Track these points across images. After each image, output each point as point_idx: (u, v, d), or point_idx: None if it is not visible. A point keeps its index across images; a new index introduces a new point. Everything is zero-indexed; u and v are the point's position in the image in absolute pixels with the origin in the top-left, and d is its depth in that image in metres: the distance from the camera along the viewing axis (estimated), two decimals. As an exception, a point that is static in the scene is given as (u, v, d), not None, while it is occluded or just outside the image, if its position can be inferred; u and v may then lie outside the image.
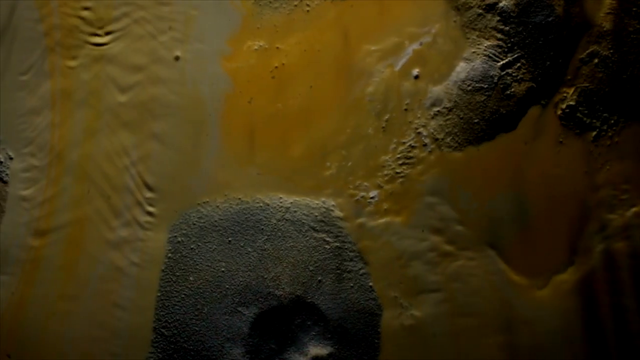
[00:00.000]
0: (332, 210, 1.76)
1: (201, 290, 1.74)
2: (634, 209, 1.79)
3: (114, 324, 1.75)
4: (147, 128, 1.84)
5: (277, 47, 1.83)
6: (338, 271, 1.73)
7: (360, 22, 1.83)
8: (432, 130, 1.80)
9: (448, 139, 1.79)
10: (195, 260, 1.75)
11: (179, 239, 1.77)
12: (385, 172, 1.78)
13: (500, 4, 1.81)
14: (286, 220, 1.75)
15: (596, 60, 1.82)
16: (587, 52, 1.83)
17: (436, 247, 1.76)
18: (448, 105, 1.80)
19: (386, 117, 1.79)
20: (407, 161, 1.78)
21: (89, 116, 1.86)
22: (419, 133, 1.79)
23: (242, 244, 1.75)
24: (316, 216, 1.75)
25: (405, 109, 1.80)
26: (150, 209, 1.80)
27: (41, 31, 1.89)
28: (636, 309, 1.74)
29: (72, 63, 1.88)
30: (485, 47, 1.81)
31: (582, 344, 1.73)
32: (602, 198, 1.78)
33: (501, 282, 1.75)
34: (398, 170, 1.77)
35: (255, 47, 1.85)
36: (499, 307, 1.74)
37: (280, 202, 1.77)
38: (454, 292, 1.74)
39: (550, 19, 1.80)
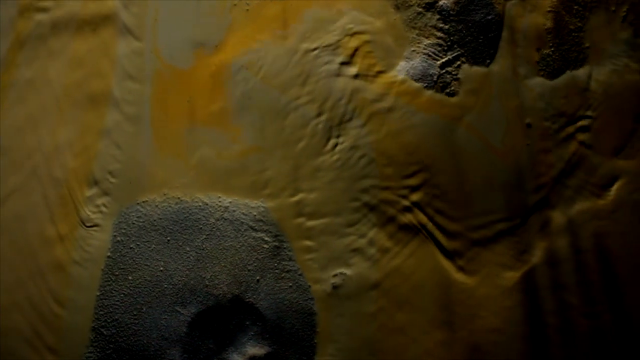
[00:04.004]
0: (270, 210, 1.75)
1: (140, 290, 1.74)
2: (577, 206, 1.79)
3: (54, 321, 1.74)
4: (89, 123, 1.83)
5: (216, 46, 1.82)
6: (276, 271, 1.73)
7: (300, 21, 1.82)
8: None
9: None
10: (134, 260, 1.75)
11: (119, 238, 1.76)
12: (324, 172, 1.78)
13: (440, 3, 1.80)
14: (225, 219, 1.75)
15: (537, 59, 1.82)
16: (527, 50, 1.82)
17: (376, 243, 1.75)
18: (387, 104, 1.80)
19: (325, 117, 1.79)
20: (345, 162, 1.78)
21: (31, 110, 1.85)
22: (357, 133, 1.79)
23: (180, 244, 1.75)
24: (255, 215, 1.75)
25: (343, 110, 1.79)
26: (92, 206, 1.80)
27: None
28: (579, 306, 1.75)
29: (19, 58, 1.87)
30: (425, 45, 1.80)
31: (524, 342, 1.73)
32: (543, 194, 1.79)
33: (442, 278, 1.75)
34: (336, 171, 1.77)
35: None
36: (440, 304, 1.74)
37: (219, 202, 1.76)
38: (395, 289, 1.74)
39: (490, 17, 1.80)
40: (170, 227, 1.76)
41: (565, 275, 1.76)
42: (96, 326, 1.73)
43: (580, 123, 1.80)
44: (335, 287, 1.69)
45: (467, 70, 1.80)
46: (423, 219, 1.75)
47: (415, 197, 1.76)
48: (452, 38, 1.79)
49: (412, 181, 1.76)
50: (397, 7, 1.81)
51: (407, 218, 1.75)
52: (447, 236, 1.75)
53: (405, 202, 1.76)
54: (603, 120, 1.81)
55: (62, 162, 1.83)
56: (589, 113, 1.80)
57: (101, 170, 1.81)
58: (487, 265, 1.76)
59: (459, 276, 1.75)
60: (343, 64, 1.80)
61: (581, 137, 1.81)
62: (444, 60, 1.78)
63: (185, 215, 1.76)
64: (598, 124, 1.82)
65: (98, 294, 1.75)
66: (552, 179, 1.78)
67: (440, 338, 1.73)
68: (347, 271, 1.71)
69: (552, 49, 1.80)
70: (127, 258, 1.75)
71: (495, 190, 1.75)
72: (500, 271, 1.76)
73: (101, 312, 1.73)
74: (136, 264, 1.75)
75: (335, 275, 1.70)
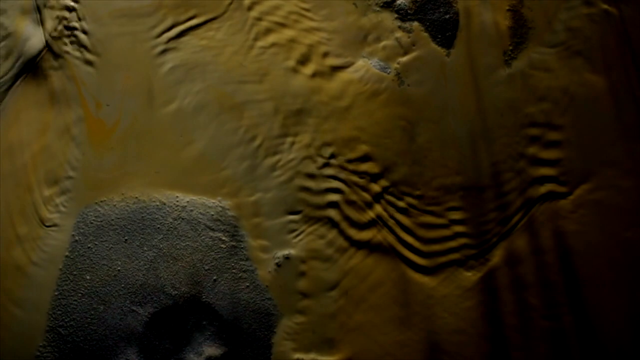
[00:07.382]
0: (228, 209, 1.75)
1: (97, 289, 1.73)
2: (537, 205, 1.79)
3: (10, 322, 1.74)
4: (48, 121, 1.83)
5: (174, 46, 1.82)
6: (234, 271, 1.73)
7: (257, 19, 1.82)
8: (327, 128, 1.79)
9: (345, 137, 1.78)
10: (92, 259, 1.75)
11: (77, 238, 1.76)
12: (281, 171, 1.77)
13: (398, 1, 1.80)
14: (182, 219, 1.75)
15: (496, 57, 1.82)
16: (486, 49, 1.82)
17: (334, 243, 1.75)
18: (345, 103, 1.79)
19: (281, 116, 1.78)
20: (302, 160, 1.77)
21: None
22: (314, 132, 1.78)
23: (138, 243, 1.74)
24: (212, 215, 1.75)
25: (300, 108, 1.79)
26: (51, 206, 1.79)
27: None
28: (540, 307, 1.74)
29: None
30: (383, 44, 1.80)
31: (484, 342, 1.72)
32: (505, 193, 1.78)
33: (401, 278, 1.75)
34: (293, 170, 1.77)
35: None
36: (399, 303, 1.73)
37: (177, 201, 1.76)
38: (352, 289, 1.74)
39: (447, 16, 1.79)
40: (128, 227, 1.75)
41: (525, 275, 1.75)
42: (53, 326, 1.72)
43: (541, 121, 1.80)
44: (279, 265, 1.68)
45: (425, 68, 1.80)
46: (384, 216, 1.75)
47: (376, 199, 1.75)
48: (409, 37, 1.79)
49: (374, 185, 1.76)
50: (356, 6, 1.80)
51: (366, 218, 1.75)
52: (408, 234, 1.75)
53: (366, 200, 1.76)
54: (568, 120, 1.81)
55: (22, 161, 1.82)
56: (553, 114, 1.80)
57: (60, 169, 1.81)
58: (446, 264, 1.75)
59: (419, 276, 1.75)
60: (300, 61, 1.79)
61: (543, 135, 1.80)
62: (401, 58, 1.78)
63: (142, 215, 1.76)
64: (563, 125, 1.81)
65: (56, 293, 1.74)
66: (514, 177, 1.78)
67: (399, 338, 1.72)
68: (292, 251, 1.70)
69: (511, 48, 1.80)
70: (85, 258, 1.75)
71: (456, 184, 1.75)
72: (460, 271, 1.75)
73: (59, 312, 1.73)
74: (94, 263, 1.74)
75: (278, 257, 1.69)
